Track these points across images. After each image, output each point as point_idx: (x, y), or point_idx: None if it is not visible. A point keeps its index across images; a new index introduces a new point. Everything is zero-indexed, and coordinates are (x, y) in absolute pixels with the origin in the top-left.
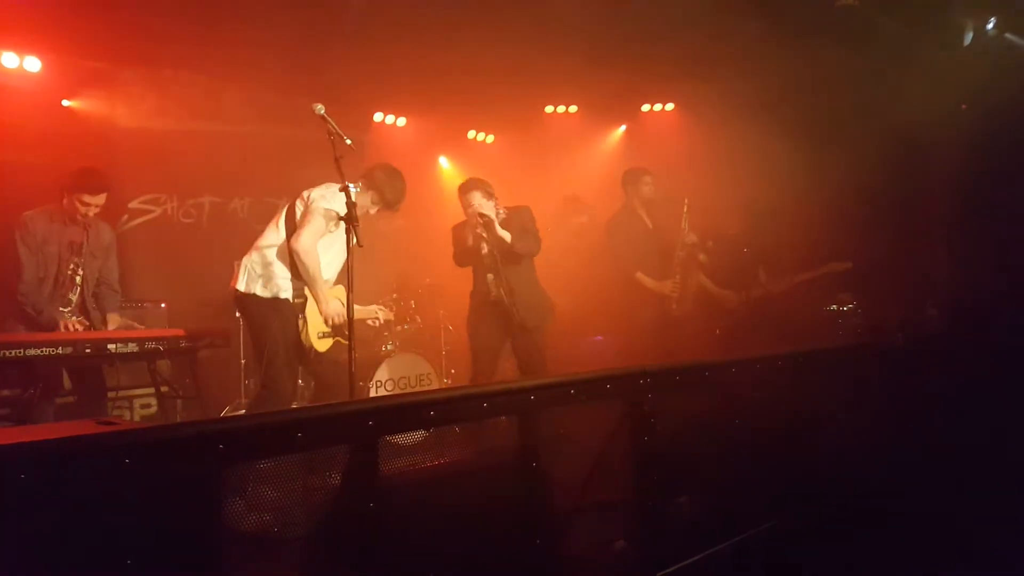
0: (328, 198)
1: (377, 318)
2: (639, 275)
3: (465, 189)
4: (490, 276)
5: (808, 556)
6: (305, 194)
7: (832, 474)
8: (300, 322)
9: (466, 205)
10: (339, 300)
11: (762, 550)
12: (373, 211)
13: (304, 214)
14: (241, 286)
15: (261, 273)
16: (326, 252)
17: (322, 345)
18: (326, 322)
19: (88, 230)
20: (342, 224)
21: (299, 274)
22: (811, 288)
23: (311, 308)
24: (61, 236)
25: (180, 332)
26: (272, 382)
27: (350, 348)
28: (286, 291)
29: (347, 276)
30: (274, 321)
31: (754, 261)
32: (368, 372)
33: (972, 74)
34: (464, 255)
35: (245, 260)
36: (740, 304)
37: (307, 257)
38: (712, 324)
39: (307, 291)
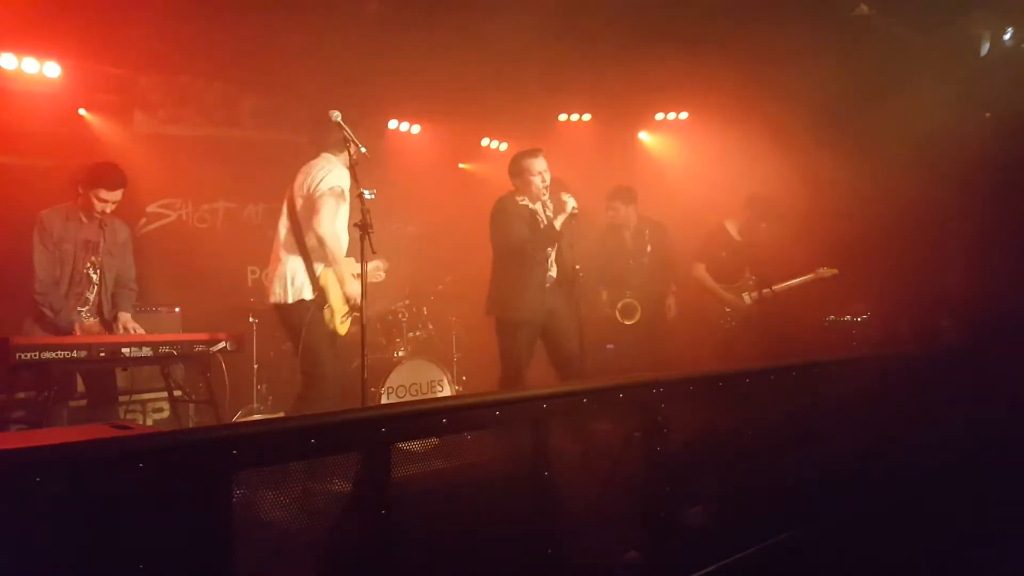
0: (330, 176)
1: (380, 274)
2: None
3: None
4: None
5: (823, 567)
6: (300, 181)
7: (847, 484)
8: (327, 312)
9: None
10: (354, 278)
11: (777, 561)
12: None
13: (314, 200)
14: (275, 299)
15: (288, 280)
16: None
17: (344, 328)
18: (348, 303)
19: (104, 228)
20: (344, 200)
21: (318, 262)
22: (812, 296)
23: (333, 295)
24: (77, 234)
25: (194, 337)
26: (314, 368)
27: (363, 356)
28: (307, 290)
29: (362, 276)
30: (311, 320)
31: (750, 264)
32: (380, 378)
33: (989, 84)
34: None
35: (273, 272)
36: (752, 307)
37: (332, 241)
38: (715, 331)
39: (323, 279)
